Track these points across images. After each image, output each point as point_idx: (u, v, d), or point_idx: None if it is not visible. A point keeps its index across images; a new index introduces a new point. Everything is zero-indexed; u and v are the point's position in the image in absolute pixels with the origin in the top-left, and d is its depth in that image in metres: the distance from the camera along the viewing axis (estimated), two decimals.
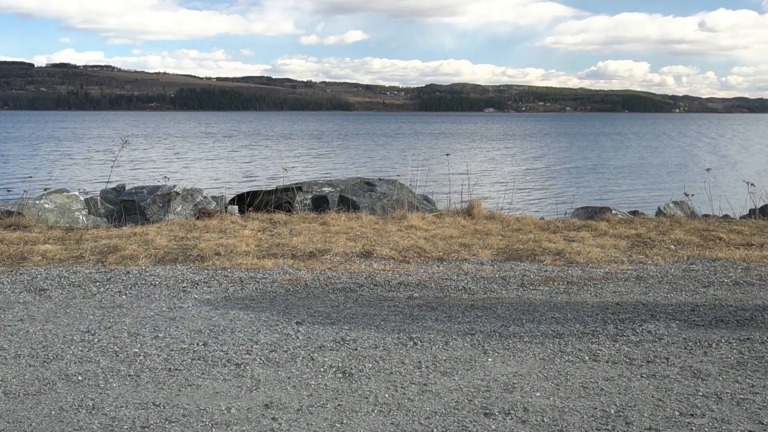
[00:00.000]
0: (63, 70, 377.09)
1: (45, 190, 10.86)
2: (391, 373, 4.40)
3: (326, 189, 11.80)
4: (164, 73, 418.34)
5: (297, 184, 11.94)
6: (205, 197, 10.90)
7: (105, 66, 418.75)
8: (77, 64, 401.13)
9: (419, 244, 8.21)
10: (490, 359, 4.64)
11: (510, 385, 4.20)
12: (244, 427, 3.67)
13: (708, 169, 12.84)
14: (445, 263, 7.55)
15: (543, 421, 3.73)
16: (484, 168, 35.62)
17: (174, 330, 5.22)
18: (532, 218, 10.45)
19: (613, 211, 10.95)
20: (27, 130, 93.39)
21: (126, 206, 10.43)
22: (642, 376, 4.35)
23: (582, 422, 3.72)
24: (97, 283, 6.60)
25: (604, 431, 3.62)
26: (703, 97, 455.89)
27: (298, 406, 3.90)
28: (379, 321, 5.46)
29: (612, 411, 3.85)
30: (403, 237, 8.69)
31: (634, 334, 5.15)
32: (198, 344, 4.91)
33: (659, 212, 11.07)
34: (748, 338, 5.06)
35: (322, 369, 4.45)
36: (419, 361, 4.59)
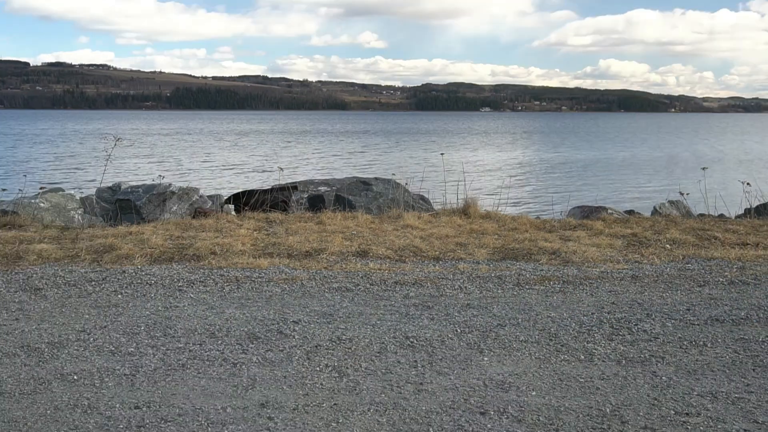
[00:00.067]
0: (58, 69, 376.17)
1: (40, 189, 10.83)
2: (387, 372, 4.40)
3: (322, 188, 11.80)
4: (160, 72, 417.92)
5: (293, 183, 11.94)
6: (201, 196, 10.89)
7: (101, 65, 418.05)
8: (72, 63, 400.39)
9: (415, 244, 8.21)
10: (485, 358, 4.65)
11: (506, 384, 4.21)
12: (239, 427, 3.66)
13: (704, 168, 12.87)
14: (441, 262, 7.55)
15: (539, 420, 3.73)
16: (479, 167, 35.66)
17: (170, 329, 5.21)
18: (527, 217, 10.46)
19: (609, 211, 10.97)
20: (22, 128, 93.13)
21: (122, 205, 10.41)
22: (637, 375, 4.36)
23: (578, 421, 3.72)
24: (93, 283, 6.59)
25: (599, 430, 3.63)
26: (699, 96, 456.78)
27: (293, 406, 3.90)
28: (375, 320, 5.46)
29: (608, 410, 3.86)
30: (399, 236, 8.69)
31: (629, 333, 5.16)
32: (194, 343, 4.90)
33: (655, 211, 11.09)
34: (743, 337, 5.08)
35: (318, 368, 4.45)
36: (415, 361, 4.59)
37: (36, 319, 5.48)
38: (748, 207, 10.74)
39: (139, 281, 6.64)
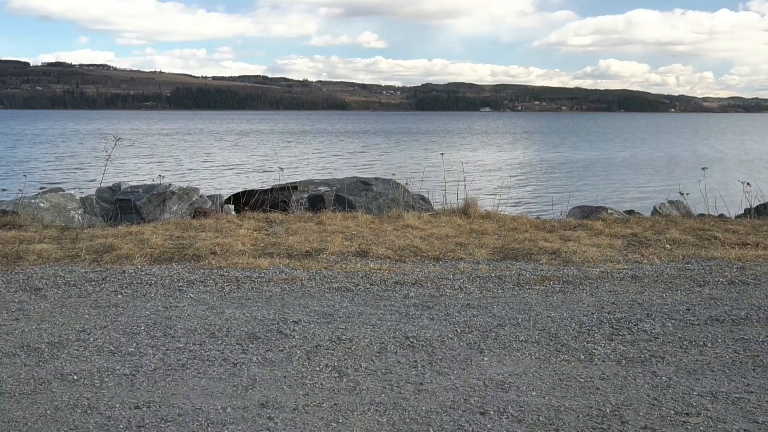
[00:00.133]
0: (58, 69, 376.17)
1: (40, 189, 10.84)
2: (387, 372, 4.40)
3: (322, 188, 11.80)
4: (160, 72, 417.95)
5: (293, 183, 11.93)
6: (201, 196, 10.90)
7: (101, 65, 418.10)
8: (72, 63, 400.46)
9: (415, 244, 8.21)
10: (486, 358, 4.65)
11: (506, 384, 4.21)
12: (239, 427, 3.66)
13: (704, 168, 12.86)
14: (441, 262, 7.55)
15: (539, 420, 3.73)
16: (480, 167, 35.66)
17: (170, 329, 5.21)
18: (527, 217, 10.46)
19: (609, 211, 10.97)
20: (22, 128, 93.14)
21: (122, 205, 10.41)
22: (637, 375, 4.36)
23: (578, 421, 3.72)
24: (93, 283, 6.59)
25: (599, 430, 3.63)
26: (699, 96, 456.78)
27: (293, 406, 3.90)
28: (375, 320, 5.46)
29: (608, 410, 3.86)
30: (399, 236, 8.69)
31: (629, 333, 5.16)
32: (194, 343, 4.90)
33: (655, 211, 11.09)
34: (743, 337, 5.08)
35: (318, 368, 4.45)
36: (415, 361, 4.59)
37: (36, 319, 5.48)
38: (748, 207, 10.74)
39: (139, 281, 6.63)
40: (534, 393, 4.08)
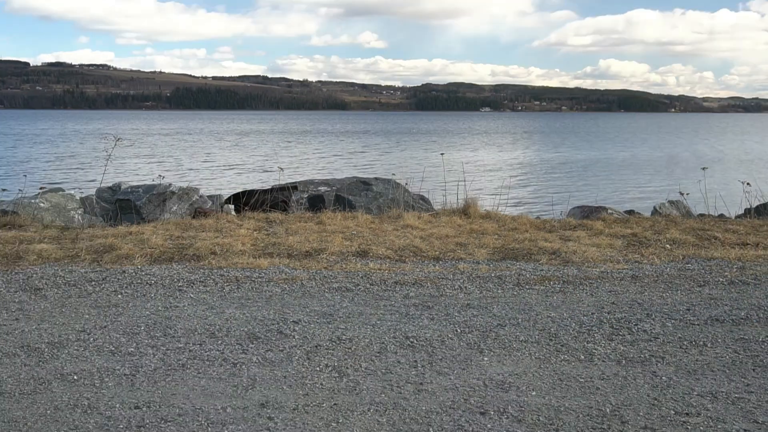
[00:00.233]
0: (58, 69, 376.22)
1: (40, 189, 10.84)
2: (387, 372, 4.40)
3: (322, 188, 11.80)
4: (160, 72, 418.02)
5: (293, 183, 11.93)
6: (201, 196, 10.90)
7: (101, 65, 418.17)
8: (72, 63, 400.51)
9: (415, 244, 8.21)
10: (486, 358, 4.65)
11: (506, 384, 4.21)
12: (239, 427, 3.66)
13: (704, 168, 12.86)
14: (441, 262, 7.55)
15: (539, 420, 3.73)
16: (480, 167, 35.66)
17: (170, 329, 5.21)
18: (527, 217, 10.46)
19: (609, 211, 10.97)
20: (22, 128, 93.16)
21: (122, 205, 10.41)
22: (637, 375, 4.35)
23: (578, 421, 3.72)
24: (93, 283, 6.59)
25: (599, 430, 3.63)
26: (699, 96, 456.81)
27: (293, 406, 3.90)
28: (375, 320, 5.46)
29: (608, 410, 3.86)
30: (399, 236, 8.69)
31: (629, 333, 5.16)
32: (194, 343, 4.90)
33: (655, 211, 11.09)
34: (743, 337, 5.08)
35: (318, 368, 4.45)
36: (415, 361, 4.59)
37: (36, 319, 5.48)
38: (748, 207, 10.74)
39: (139, 281, 6.63)
40: (534, 393, 4.08)
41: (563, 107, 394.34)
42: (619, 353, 4.74)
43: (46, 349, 4.78)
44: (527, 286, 6.55)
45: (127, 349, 4.78)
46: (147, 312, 5.69)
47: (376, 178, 12.39)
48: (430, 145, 59.51)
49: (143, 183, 11.48)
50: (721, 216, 10.88)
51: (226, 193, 12.47)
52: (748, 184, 10.56)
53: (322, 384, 4.20)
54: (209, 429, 3.64)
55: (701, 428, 3.65)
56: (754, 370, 4.46)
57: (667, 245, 8.37)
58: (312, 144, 63.33)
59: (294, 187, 11.56)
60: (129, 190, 10.76)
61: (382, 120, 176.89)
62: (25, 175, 18.20)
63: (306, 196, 11.45)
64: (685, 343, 4.96)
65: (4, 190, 11.38)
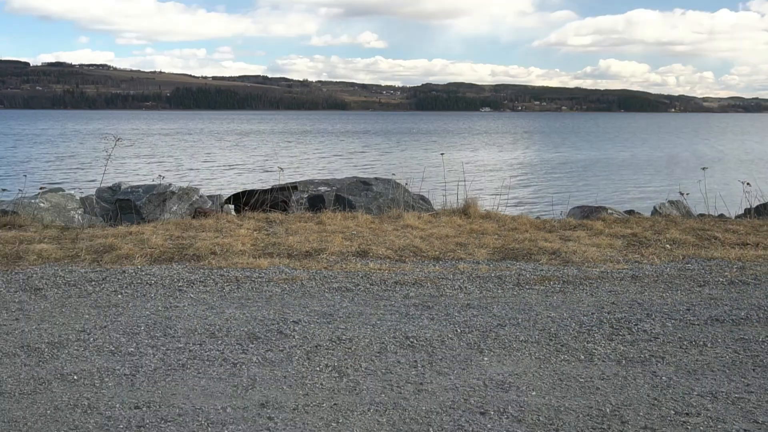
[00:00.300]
0: (58, 69, 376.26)
1: (40, 189, 10.83)
2: (387, 372, 4.40)
3: (322, 188, 11.80)
4: (160, 72, 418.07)
5: (293, 183, 11.94)
6: (201, 196, 10.90)
7: (101, 65, 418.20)
8: (72, 63, 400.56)
9: (415, 244, 8.21)
10: (486, 358, 4.65)
11: (506, 384, 4.21)
12: (239, 427, 3.66)
13: (704, 168, 12.87)
14: (441, 262, 7.55)
15: (539, 420, 3.73)
16: (480, 167, 35.67)
17: (170, 329, 5.21)
18: (527, 217, 10.46)
19: (609, 211, 10.97)
20: (22, 128, 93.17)
21: (122, 205, 10.41)
22: (637, 375, 4.35)
23: (578, 421, 3.72)
24: (93, 283, 6.59)
25: (599, 430, 3.63)
26: (699, 96, 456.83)
27: (293, 406, 3.90)
28: (375, 320, 5.46)
29: (608, 410, 3.86)
30: (399, 236, 8.69)
31: (629, 333, 5.16)
32: (194, 343, 4.90)
33: (655, 211, 11.09)
34: (743, 337, 5.08)
35: (318, 368, 4.45)
36: (415, 361, 4.59)
37: (36, 319, 5.48)
38: (748, 207, 10.74)
39: (139, 281, 6.63)
40: (534, 393, 4.08)
41: (563, 107, 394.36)
42: (619, 353, 4.74)
43: (46, 349, 4.78)
44: (527, 286, 6.55)
45: (127, 349, 4.78)
46: (147, 312, 5.69)
47: (376, 178, 12.39)
48: (431, 145, 59.53)
49: (143, 183, 11.48)
50: (721, 216, 10.88)
51: (226, 193, 12.48)
52: (748, 184, 10.56)
53: (322, 384, 4.20)
54: (209, 429, 3.64)
55: (701, 428, 3.65)
56: (754, 370, 4.46)
57: (667, 245, 8.37)
58: (312, 144, 63.33)
59: (294, 187, 11.56)
60: (129, 190, 10.76)
61: (382, 120, 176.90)
62: (25, 175, 18.21)
63: (306, 196, 11.46)
64: (685, 343, 4.95)
65: (4, 190, 11.39)
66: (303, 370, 4.42)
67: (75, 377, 4.29)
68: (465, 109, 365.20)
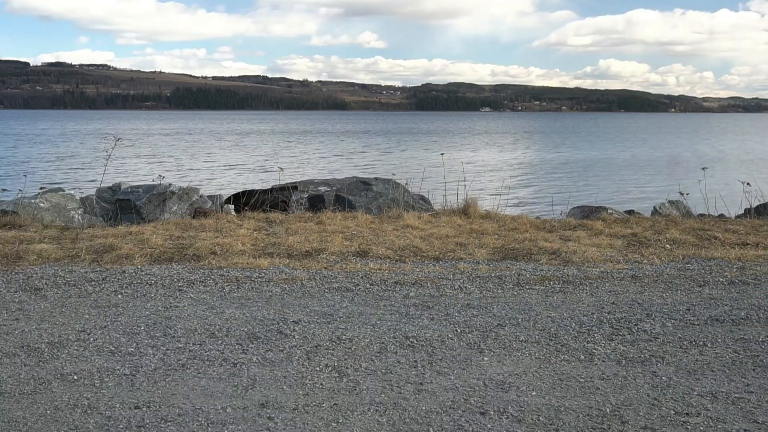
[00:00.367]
0: (58, 69, 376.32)
1: (40, 189, 10.83)
2: (387, 372, 4.40)
3: (322, 188, 11.80)
4: (160, 72, 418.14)
5: (293, 183, 11.94)
6: (201, 196, 10.90)
7: (101, 65, 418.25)
8: (72, 63, 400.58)
9: (415, 244, 8.21)
10: (486, 358, 4.64)
11: (506, 384, 4.21)
12: (239, 427, 3.66)
13: (704, 168, 12.87)
14: (441, 262, 7.55)
15: (539, 420, 3.73)
16: (480, 167, 35.66)
17: (170, 329, 5.21)
18: (527, 217, 10.46)
19: (609, 211, 10.97)
20: (22, 128, 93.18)
21: (122, 205, 10.41)
22: (637, 375, 4.35)
23: (578, 421, 3.72)
24: (93, 283, 6.59)
25: (599, 430, 3.63)
26: (699, 96, 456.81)
27: (293, 406, 3.90)
28: (375, 320, 5.46)
29: (608, 410, 3.86)
30: (399, 236, 8.69)
31: (629, 333, 5.15)
32: (194, 343, 4.90)
33: (655, 211, 11.09)
34: (743, 337, 5.08)
35: (318, 368, 4.45)
36: (415, 361, 4.59)
37: (36, 319, 5.48)
38: (748, 207, 10.74)
39: (139, 281, 6.63)
40: (534, 393, 4.08)
41: (563, 107, 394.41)
42: (619, 353, 4.74)
43: (46, 349, 4.78)
44: (527, 286, 6.55)
45: (127, 349, 4.78)
46: (147, 312, 5.69)
47: (376, 178, 12.39)
48: (431, 145, 59.53)
49: (143, 183, 11.48)
50: (721, 216, 10.88)
51: (226, 193, 12.47)
52: (748, 184, 10.56)
53: (322, 384, 4.20)
54: (209, 429, 3.64)
55: (701, 428, 3.65)
56: (754, 370, 4.46)
57: (667, 245, 8.37)
58: (312, 144, 63.34)
59: (294, 187, 11.56)
60: (129, 190, 10.76)
61: (382, 120, 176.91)
62: (25, 175, 18.20)
63: (306, 196, 11.46)
64: (685, 343, 4.95)
65: (4, 190, 11.38)
66: (303, 370, 4.42)
67: (75, 377, 4.29)
68: (465, 109, 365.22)
